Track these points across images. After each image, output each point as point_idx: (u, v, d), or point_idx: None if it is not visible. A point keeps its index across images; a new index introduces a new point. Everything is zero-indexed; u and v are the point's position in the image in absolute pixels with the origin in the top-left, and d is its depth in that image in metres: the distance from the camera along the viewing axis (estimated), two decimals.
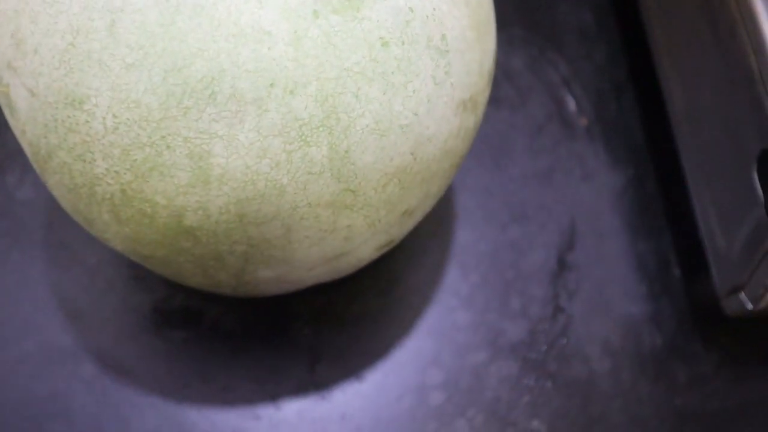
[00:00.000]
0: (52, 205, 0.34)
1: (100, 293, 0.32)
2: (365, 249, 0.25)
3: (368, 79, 0.19)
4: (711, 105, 0.32)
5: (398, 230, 0.25)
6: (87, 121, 0.19)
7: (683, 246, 0.35)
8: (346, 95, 0.19)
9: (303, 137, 0.19)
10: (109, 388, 0.30)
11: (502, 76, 0.38)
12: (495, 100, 0.38)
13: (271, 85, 0.19)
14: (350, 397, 0.31)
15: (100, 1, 0.18)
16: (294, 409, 0.31)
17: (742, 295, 0.30)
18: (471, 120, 0.24)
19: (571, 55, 0.39)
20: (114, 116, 0.19)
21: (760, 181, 0.28)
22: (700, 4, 0.32)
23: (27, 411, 0.30)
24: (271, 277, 0.24)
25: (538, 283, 0.34)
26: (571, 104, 0.38)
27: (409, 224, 0.25)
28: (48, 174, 0.22)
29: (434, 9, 0.20)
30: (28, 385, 0.30)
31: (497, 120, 0.37)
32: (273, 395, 0.31)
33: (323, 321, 0.32)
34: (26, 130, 0.21)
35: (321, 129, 0.19)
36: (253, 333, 0.32)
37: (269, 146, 0.19)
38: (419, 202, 0.24)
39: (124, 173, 0.20)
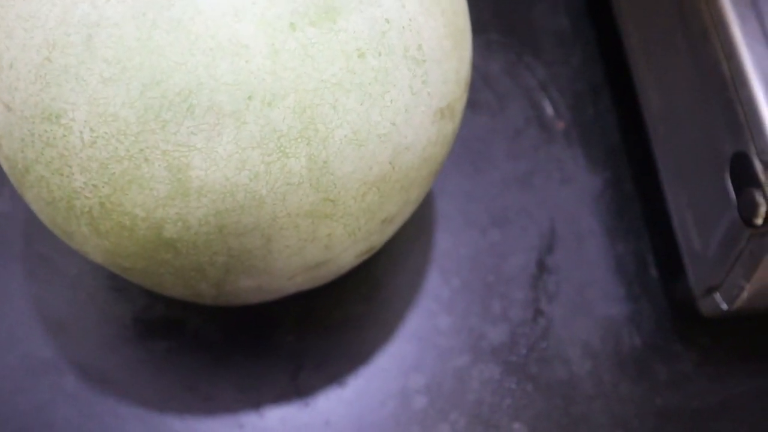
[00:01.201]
0: (30, 217, 0.34)
1: (81, 305, 0.32)
2: (345, 257, 0.25)
3: (345, 90, 0.19)
4: (685, 108, 0.32)
5: (378, 237, 0.25)
6: (64, 136, 0.19)
7: (661, 247, 0.35)
8: (323, 106, 0.19)
9: (281, 149, 0.19)
10: (91, 399, 0.30)
11: (481, 81, 0.39)
12: (474, 104, 0.38)
13: (249, 97, 0.19)
14: (333, 403, 0.31)
15: (76, 15, 0.18)
16: (277, 416, 0.31)
17: (718, 296, 0.30)
18: (449, 127, 0.24)
19: (547, 59, 0.40)
20: (91, 130, 0.19)
21: (732, 183, 0.29)
22: (672, 10, 0.33)
23: (10, 425, 0.30)
24: (252, 287, 0.24)
25: (518, 287, 0.34)
26: (549, 108, 0.38)
27: (389, 231, 0.25)
28: (25, 188, 0.22)
29: (410, 20, 0.21)
30: (10, 398, 0.30)
31: (476, 125, 0.37)
32: (256, 403, 0.31)
33: (305, 328, 0.32)
34: (2, 144, 0.21)
35: (299, 140, 0.19)
36: (235, 341, 0.32)
37: (248, 158, 0.19)
38: (399, 209, 0.24)
39: (103, 186, 0.20)
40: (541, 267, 0.35)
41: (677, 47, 0.32)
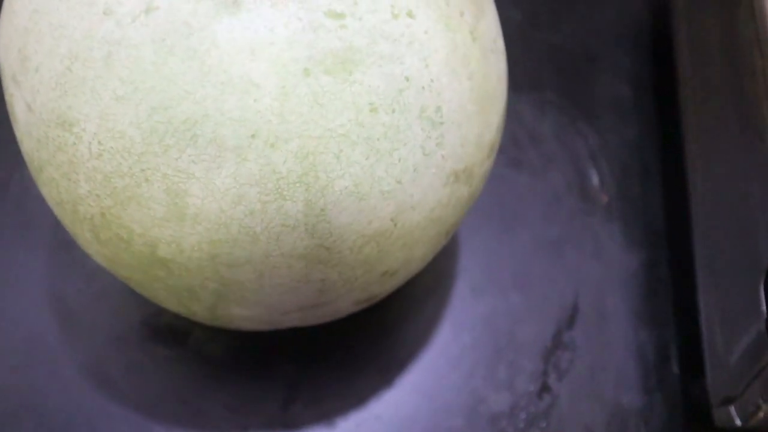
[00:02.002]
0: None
1: (94, 299, 0.33)
2: (342, 302, 0.24)
3: (352, 142, 0.19)
4: (731, 206, 0.31)
5: (378, 288, 0.25)
6: (74, 143, 0.20)
7: (686, 342, 0.34)
8: (327, 155, 0.19)
9: (279, 190, 0.19)
10: (85, 392, 0.31)
11: (529, 139, 0.38)
12: (516, 162, 0.37)
13: (253, 135, 0.19)
14: None
15: (101, 31, 0.19)
16: None
17: (733, 409, 0.29)
18: (464, 190, 0.23)
19: (602, 127, 0.39)
20: (99, 143, 0.19)
21: (766, 296, 0.27)
22: (735, 104, 0.31)
23: (2, 399, 0.30)
24: (246, 316, 0.24)
25: (529, 357, 0.33)
26: (594, 178, 0.37)
27: (392, 283, 0.25)
28: (40, 184, 0.22)
29: (432, 80, 0.20)
30: (8, 374, 0.31)
31: (515, 183, 0.37)
32: (243, 426, 0.31)
33: (305, 360, 0.32)
34: (23, 140, 0.22)
35: (298, 185, 0.19)
36: (234, 361, 0.32)
37: (245, 194, 0.19)
38: (401, 265, 0.24)
39: (105, 198, 0.20)
40: (557, 340, 0.33)
41: (733, 143, 0.31)
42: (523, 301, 0.34)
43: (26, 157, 0.22)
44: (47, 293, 0.33)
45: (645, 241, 0.36)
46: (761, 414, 0.28)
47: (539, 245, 0.35)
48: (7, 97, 0.22)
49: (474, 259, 0.35)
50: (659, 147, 0.38)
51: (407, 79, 0.20)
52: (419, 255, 0.24)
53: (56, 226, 0.34)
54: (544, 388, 0.32)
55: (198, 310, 0.24)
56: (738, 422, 0.28)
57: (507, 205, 0.36)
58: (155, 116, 0.19)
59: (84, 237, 0.22)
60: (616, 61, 0.41)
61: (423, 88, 0.20)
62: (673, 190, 0.37)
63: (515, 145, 0.38)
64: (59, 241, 0.34)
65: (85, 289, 0.33)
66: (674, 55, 0.38)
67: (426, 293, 0.34)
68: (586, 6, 0.42)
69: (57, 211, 0.22)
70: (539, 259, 0.35)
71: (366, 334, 0.33)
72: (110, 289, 0.33)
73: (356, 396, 0.32)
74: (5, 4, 0.21)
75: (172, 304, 0.25)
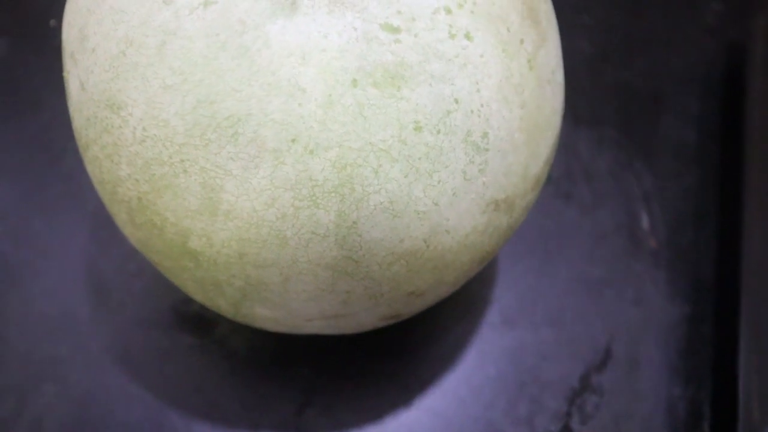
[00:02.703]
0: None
1: (128, 278, 0.33)
2: (366, 316, 0.24)
3: (392, 158, 0.19)
4: None
5: (404, 307, 0.24)
6: (120, 126, 0.20)
7: (720, 403, 0.32)
8: (365, 168, 0.19)
9: (313, 198, 0.19)
10: (107, 369, 0.31)
11: (582, 174, 0.37)
12: (567, 196, 0.36)
13: (293, 140, 0.19)
14: None
15: (158, 20, 0.19)
16: None
17: None
18: (503, 220, 0.23)
19: (660, 170, 0.37)
20: (144, 129, 0.20)
21: None
22: None
23: (28, 364, 0.31)
24: (269, 317, 0.24)
25: (553, 396, 0.32)
26: (645, 221, 0.36)
27: (419, 304, 0.25)
28: (86, 162, 0.23)
29: (482, 105, 0.20)
30: (36, 341, 0.31)
31: (563, 217, 0.36)
32: (255, 425, 0.31)
33: (325, 367, 0.32)
34: (74, 117, 0.22)
35: (333, 194, 0.19)
36: (256, 359, 0.32)
37: (279, 197, 0.19)
38: (429, 287, 0.23)
39: (143, 183, 0.20)
40: (585, 383, 0.33)
41: None
42: (554, 338, 0.33)
43: (75, 134, 0.22)
44: (84, 267, 0.33)
45: (691, 293, 0.35)
46: None
47: (579, 283, 0.34)
48: (64, 74, 0.22)
49: (510, 289, 0.34)
50: (717, 197, 0.37)
51: (456, 101, 0.19)
52: (450, 279, 0.24)
53: (101, 203, 0.35)
54: (566, 430, 0.31)
55: (222, 305, 0.24)
56: None
57: (551, 238, 0.35)
58: (200, 109, 0.19)
59: (120, 218, 0.22)
60: (684, 104, 0.39)
61: (471, 112, 0.20)
62: (726, 243, 0.36)
63: (568, 178, 0.37)
64: (102, 218, 0.34)
65: (121, 268, 0.33)
66: (745, 104, 0.37)
67: (456, 317, 0.33)
68: (659, 45, 0.41)
69: (99, 189, 0.23)
70: (577, 297, 0.34)
71: (389, 350, 0.32)
72: (145, 271, 0.33)
73: (372, 411, 0.31)
74: None
75: (198, 295, 0.25)
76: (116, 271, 0.33)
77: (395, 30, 0.19)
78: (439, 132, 0.19)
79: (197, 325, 0.32)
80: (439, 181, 0.20)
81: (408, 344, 0.32)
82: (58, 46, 0.39)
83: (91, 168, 0.22)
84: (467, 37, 0.20)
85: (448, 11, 0.20)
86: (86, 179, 0.35)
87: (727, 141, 0.39)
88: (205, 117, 0.19)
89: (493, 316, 0.33)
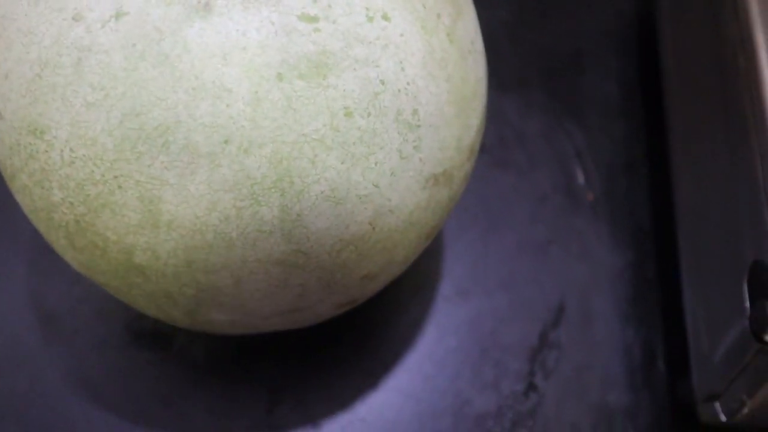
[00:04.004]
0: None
1: (76, 303, 0.32)
2: (322, 307, 0.24)
3: (327, 146, 0.19)
4: (715, 203, 0.31)
5: (358, 292, 0.24)
6: (46, 151, 0.20)
7: (672, 340, 0.34)
8: (301, 160, 0.19)
9: (254, 196, 0.19)
10: (67, 397, 0.31)
11: (515, 139, 0.38)
12: (503, 162, 0.37)
13: (226, 141, 0.19)
14: None
15: (70, 37, 0.19)
16: None
17: (718, 405, 0.29)
18: (444, 193, 0.23)
19: (588, 127, 0.38)
20: (71, 150, 0.19)
21: (749, 292, 0.27)
22: (718, 102, 0.31)
23: None
24: (225, 321, 0.24)
25: (515, 357, 0.33)
26: (580, 177, 0.37)
27: (372, 287, 0.25)
28: (14, 192, 0.22)
29: (408, 83, 0.20)
30: None
31: (501, 183, 0.37)
32: (228, 429, 0.31)
33: (291, 363, 0.32)
34: None
35: (273, 190, 0.19)
36: (218, 365, 0.32)
37: (219, 200, 0.19)
38: (381, 268, 0.23)
39: (78, 205, 0.20)
40: (543, 340, 0.33)
41: (718, 141, 0.31)
42: (509, 302, 0.34)
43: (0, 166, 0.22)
44: (29, 299, 0.32)
45: (631, 240, 0.36)
46: (745, 410, 0.28)
47: (525, 245, 0.35)
48: None
49: (459, 260, 0.35)
50: (645, 146, 0.38)
51: (383, 82, 0.20)
52: (399, 258, 0.24)
53: (36, 232, 0.34)
54: (531, 388, 0.32)
55: (177, 316, 0.24)
56: (723, 418, 0.28)
57: (492, 205, 0.36)
58: (127, 123, 0.18)
59: (60, 244, 0.22)
60: (603, 60, 0.40)
61: (399, 91, 0.20)
62: (659, 188, 0.37)
63: (501, 145, 0.38)
64: (40, 246, 0.33)
65: (67, 294, 0.32)
66: (660, 55, 0.38)
67: (410, 295, 0.34)
68: (573, 6, 0.42)
69: (32, 217, 0.22)
70: (525, 259, 0.35)
71: (350, 336, 0.33)
72: (92, 293, 0.33)
73: (341, 398, 0.32)
74: None
75: (151, 310, 0.24)
76: (62, 298, 0.32)
77: (313, 19, 0.19)
78: (369, 115, 0.20)
79: (154, 339, 0.32)
80: (376, 163, 0.20)
81: (366, 328, 0.33)
82: None
83: (21, 197, 0.22)
84: (385, 17, 0.20)
85: None
86: (16, 209, 0.34)
87: (648, 91, 0.40)
88: (134, 130, 0.19)
89: (446, 289, 0.34)
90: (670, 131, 0.36)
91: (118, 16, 0.19)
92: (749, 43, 0.29)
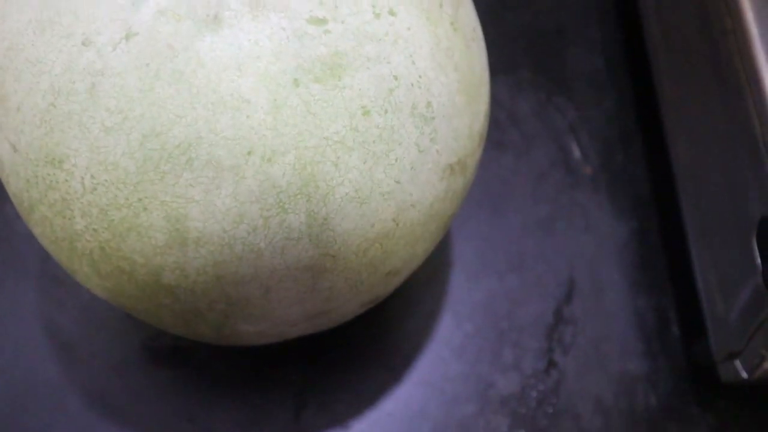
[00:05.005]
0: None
1: (91, 328, 0.32)
2: (348, 307, 0.24)
3: (348, 148, 0.19)
4: (715, 165, 0.31)
5: (383, 289, 0.24)
6: (66, 180, 0.19)
7: (684, 304, 0.34)
8: (325, 164, 0.19)
9: (281, 204, 0.19)
10: (93, 423, 0.30)
11: (508, 120, 0.38)
12: (499, 144, 0.37)
13: (249, 152, 0.19)
14: None
15: (81, 63, 0.18)
16: None
17: (738, 363, 0.29)
18: (459, 182, 0.23)
19: (579, 101, 0.39)
20: (92, 177, 0.19)
21: (759, 249, 0.27)
22: (709, 64, 0.32)
23: None
24: (252, 332, 0.24)
25: (532, 336, 0.33)
26: (577, 152, 0.37)
27: (395, 282, 0.25)
28: (32, 225, 0.22)
29: (420, 76, 0.20)
30: (11, 414, 0.30)
31: (500, 165, 0.37)
32: None
33: (312, 366, 0.32)
34: (10, 182, 0.21)
35: (299, 197, 0.19)
36: (240, 376, 0.32)
37: (246, 212, 0.19)
38: (404, 263, 0.24)
39: (103, 231, 0.20)
40: (558, 317, 0.34)
41: (711, 103, 0.31)
42: (520, 282, 0.34)
43: (14, 198, 0.22)
44: (43, 327, 0.32)
45: (633, 209, 0.36)
46: (766, 365, 0.28)
47: (530, 225, 0.35)
48: None
49: (467, 246, 0.35)
50: (638, 114, 0.39)
51: (396, 78, 0.20)
52: (421, 251, 0.24)
53: (44, 260, 0.33)
54: (551, 365, 0.33)
55: (205, 331, 0.24)
56: (744, 375, 0.29)
57: (494, 188, 0.36)
58: (148, 144, 0.18)
59: (83, 272, 0.22)
60: (586, 34, 0.41)
61: (412, 85, 0.20)
62: (656, 156, 0.37)
63: (496, 127, 0.38)
64: (49, 275, 0.33)
65: (82, 320, 0.32)
66: (643, 23, 0.39)
67: (424, 286, 0.34)
68: None
69: (52, 249, 0.22)
70: (531, 238, 0.35)
71: (368, 333, 0.33)
72: (106, 316, 0.32)
73: (366, 396, 0.32)
74: None
75: (178, 329, 0.24)
76: (76, 324, 0.32)
77: (322, 21, 0.19)
78: (386, 112, 0.20)
79: (173, 356, 0.32)
80: (396, 159, 0.20)
81: (384, 324, 0.33)
82: None
83: (40, 230, 0.21)
84: (391, 13, 0.20)
85: None
86: (21, 242, 0.34)
87: (634, 60, 0.40)
88: (155, 150, 0.18)
89: (458, 276, 0.34)
90: (660, 98, 0.36)
91: (128, 36, 0.18)
92: (734, 3, 0.30)
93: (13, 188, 0.21)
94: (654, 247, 0.35)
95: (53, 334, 0.32)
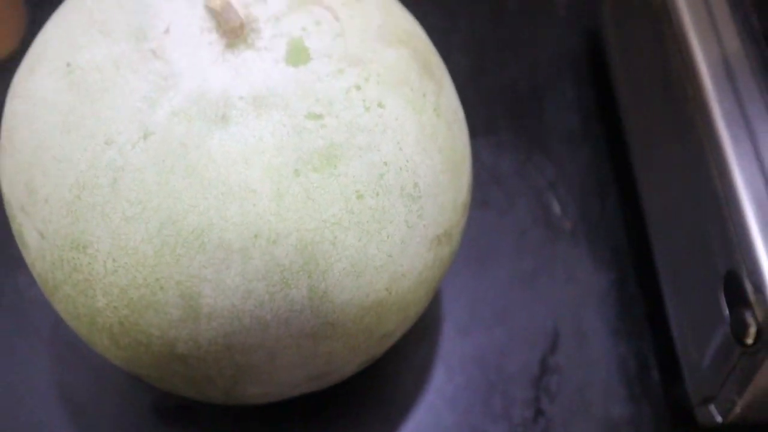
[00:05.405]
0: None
1: (102, 391, 0.34)
2: (346, 368, 0.26)
3: (344, 228, 0.21)
4: (683, 219, 0.33)
5: (378, 350, 0.26)
6: (89, 263, 0.21)
7: (662, 349, 0.36)
8: (324, 243, 0.21)
9: (284, 281, 0.21)
10: None
11: (490, 179, 0.40)
12: (483, 203, 0.40)
13: (255, 236, 0.21)
14: None
15: (104, 160, 0.21)
16: None
17: (712, 407, 0.31)
18: (446, 250, 0.25)
19: (556, 158, 0.41)
20: (114, 260, 0.21)
21: (726, 300, 0.30)
22: (672, 121, 0.34)
23: None
24: (258, 393, 0.26)
25: (520, 385, 0.35)
26: (556, 207, 0.40)
27: (389, 343, 0.27)
28: (55, 302, 0.24)
29: (407, 161, 0.22)
30: None
31: (485, 223, 0.39)
32: None
33: (313, 422, 0.34)
34: (35, 264, 0.23)
35: (301, 273, 0.21)
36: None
37: (254, 289, 0.21)
38: (397, 326, 0.26)
39: (122, 308, 0.22)
40: (544, 366, 0.36)
41: (677, 161, 0.34)
42: (507, 334, 0.36)
43: (39, 278, 0.23)
44: (56, 392, 0.34)
45: (612, 260, 0.38)
46: (738, 409, 0.30)
47: (515, 278, 0.38)
48: (15, 226, 0.23)
49: (456, 301, 0.37)
50: (611, 169, 0.41)
51: (386, 164, 0.22)
52: (412, 314, 0.26)
53: (56, 326, 0.35)
54: (539, 413, 0.34)
55: (214, 394, 0.26)
56: (719, 419, 0.31)
57: (480, 244, 0.38)
58: (164, 231, 0.20)
59: (102, 344, 0.24)
60: (560, 92, 0.43)
61: (400, 169, 0.22)
62: (631, 208, 0.40)
63: (479, 186, 0.40)
64: (60, 340, 0.35)
65: (94, 383, 0.34)
66: (612, 82, 0.41)
67: (416, 341, 0.36)
68: (524, 44, 0.45)
69: (73, 323, 0.24)
70: (516, 291, 0.37)
71: (365, 387, 0.34)
72: (117, 379, 0.34)
73: None
74: (3, 142, 0.23)
75: (188, 392, 0.26)
76: (88, 388, 0.34)
77: (318, 117, 0.21)
78: (378, 194, 0.22)
79: (181, 416, 0.33)
80: (388, 236, 0.22)
81: (379, 378, 0.35)
82: None
83: (62, 306, 0.23)
84: (380, 105, 0.22)
85: (358, 88, 0.22)
86: (32, 310, 0.36)
87: (606, 117, 0.43)
88: (171, 236, 0.20)
89: (448, 329, 0.36)
90: (632, 154, 0.39)
91: (146, 136, 0.21)
92: (695, 74, 0.32)
93: (38, 270, 0.23)
94: (633, 296, 0.37)
95: (66, 398, 0.34)
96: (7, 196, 0.23)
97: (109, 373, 0.34)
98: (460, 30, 0.45)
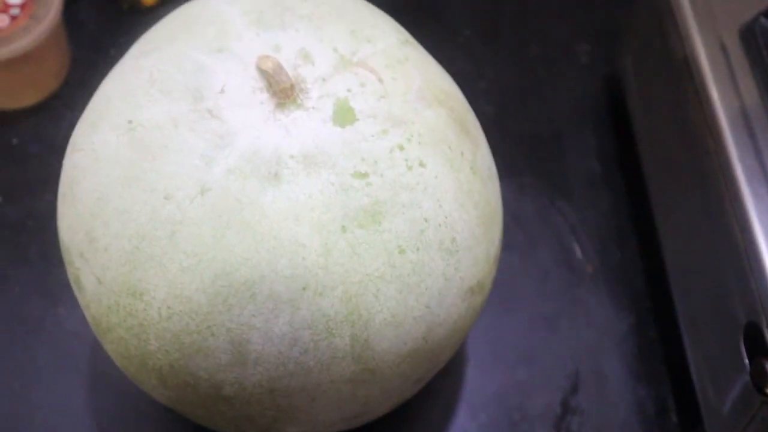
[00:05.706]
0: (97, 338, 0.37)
1: (137, 422, 0.35)
2: (380, 409, 0.27)
3: (386, 281, 0.22)
4: (703, 267, 0.34)
5: (410, 393, 0.28)
6: (145, 309, 0.23)
7: (682, 393, 0.37)
8: (367, 296, 0.22)
9: (329, 330, 0.22)
10: None
11: (514, 222, 0.42)
12: (507, 246, 0.41)
13: (304, 288, 0.22)
14: None
15: (164, 214, 0.22)
16: None
17: None
18: (478, 300, 0.27)
19: (578, 202, 0.42)
20: (168, 307, 0.22)
21: (746, 350, 0.30)
22: (694, 171, 0.35)
23: None
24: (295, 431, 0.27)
25: (542, 426, 0.36)
26: (578, 251, 0.41)
27: (420, 386, 0.28)
28: (106, 342, 0.25)
29: (446, 217, 0.24)
30: None
31: (508, 266, 0.40)
32: None
33: None
34: (90, 306, 0.24)
35: (344, 323, 0.22)
36: None
37: (300, 337, 0.22)
38: (429, 371, 0.27)
39: (174, 352, 0.23)
40: (565, 407, 0.37)
41: (697, 211, 0.35)
42: (530, 375, 0.37)
43: (92, 320, 0.25)
44: (94, 422, 0.35)
45: (631, 304, 0.39)
46: None
47: (537, 321, 0.39)
48: (71, 270, 0.24)
49: (480, 343, 0.38)
50: (632, 215, 0.42)
51: (426, 220, 0.23)
52: (444, 359, 0.27)
53: (94, 357, 0.36)
54: None
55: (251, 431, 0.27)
56: None
57: (503, 288, 0.39)
58: (218, 281, 0.22)
59: (150, 384, 0.25)
60: (582, 139, 0.45)
61: (440, 225, 0.23)
62: (651, 253, 0.41)
63: (504, 230, 0.41)
64: (98, 372, 0.36)
65: (128, 414, 0.35)
66: (633, 128, 0.43)
67: (442, 380, 0.37)
68: (547, 91, 0.47)
69: (123, 363, 0.25)
70: (538, 333, 0.38)
71: (393, 425, 0.35)
72: (151, 411, 0.35)
73: None
74: (63, 191, 0.24)
75: (226, 429, 0.27)
76: (125, 420, 0.35)
77: (364, 175, 0.23)
78: (418, 249, 0.23)
79: None
80: (426, 288, 0.23)
81: (407, 416, 0.36)
82: (12, 223, 0.40)
83: (113, 347, 0.25)
84: (421, 164, 0.23)
85: (401, 148, 0.23)
86: (71, 341, 0.37)
87: (626, 162, 0.44)
88: (224, 287, 0.22)
89: (472, 370, 0.37)
90: (652, 200, 0.40)
91: (203, 192, 0.22)
92: (715, 127, 0.33)
93: (93, 312, 0.24)
94: (651, 340, 0.38)
95: (102, 428, 0.35)
96: (67, 243, 0.24)
97: (146, 406, 0.35)
98: (485, 76, 0.47)
